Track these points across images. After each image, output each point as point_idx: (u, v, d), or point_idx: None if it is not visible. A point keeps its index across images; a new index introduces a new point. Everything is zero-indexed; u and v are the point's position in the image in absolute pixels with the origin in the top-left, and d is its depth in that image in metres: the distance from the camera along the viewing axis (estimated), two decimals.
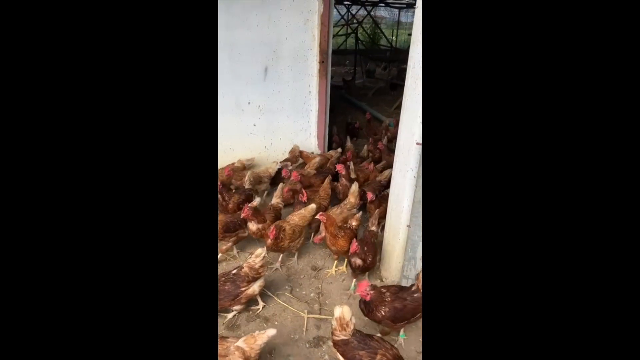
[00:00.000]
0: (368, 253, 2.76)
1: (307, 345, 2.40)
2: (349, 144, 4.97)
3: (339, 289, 2.92)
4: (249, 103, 4.18)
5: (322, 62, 4.17)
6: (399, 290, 2.34)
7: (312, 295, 2.84)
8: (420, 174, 2.42)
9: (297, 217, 3.09)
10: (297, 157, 4.34)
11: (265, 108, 4.26)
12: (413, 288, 2.33)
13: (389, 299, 2.24)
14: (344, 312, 1.94)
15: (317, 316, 2.62)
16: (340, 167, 3.79)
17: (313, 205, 3.17)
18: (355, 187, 3.45)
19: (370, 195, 3.38)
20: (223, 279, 2.44)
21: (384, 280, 2.99)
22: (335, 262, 3.09)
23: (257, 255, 2.48)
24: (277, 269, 3.07)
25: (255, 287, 2.49)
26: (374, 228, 3.01)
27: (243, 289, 2.43)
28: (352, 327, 1.95)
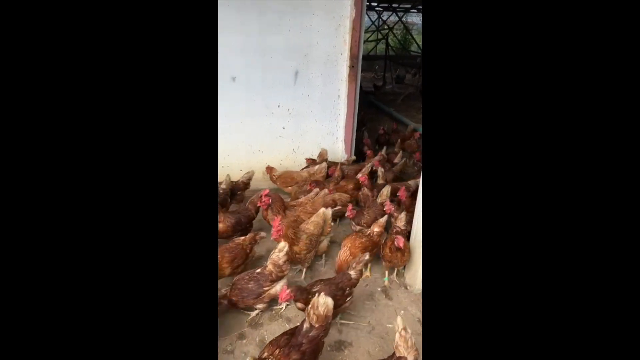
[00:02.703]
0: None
1: (329, 349, 2.40)
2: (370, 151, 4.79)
3: (362, 294, 2.89)
4: (278, 106, 4.26)
5: (352, 66, 4.19)
6: (290, 337, 1.96)
7: None
8: None
9: (312, 225, 2.89)
10: (326, 161, 4.35)
11: (295, 111, 4.32)
12: (305, 327, 1.93)
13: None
14: (397, 323, 1.86)
15: (345, 321, 2.61)
16: (363, 179, 3.76)
17: (325, 210, 2.95)
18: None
19: (400, 242, 2.71)
20: (247, 277, 2.48)
21: (408, 287, 2.94)
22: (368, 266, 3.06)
23: (281, 250, 2.48)
24: (300, 270, 3.08)
25: (277, 288, 2.50)
26: (352, 273, 2.41)
27: (266, 288, 2.45)
28: (409, 342, 1.77)
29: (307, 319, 1.92)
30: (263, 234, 2.93)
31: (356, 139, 5.09)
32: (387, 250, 2.81)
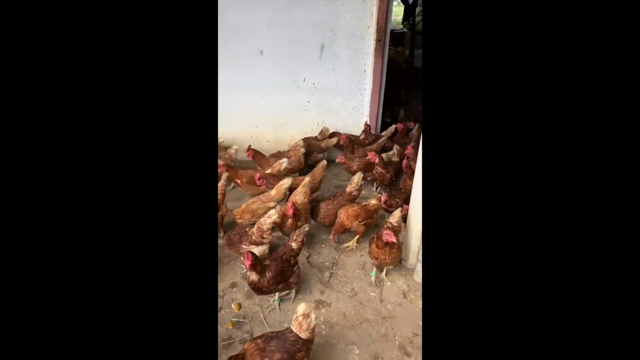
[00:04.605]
0: (270, 272, 2.25)
1: None
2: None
3: (354, 262, 2.99)
4: (304, 80, 4.36)
5: (379, 40, 4.10)
6: (270, 340, 1.83)
7: (327, 264, 2.98)
8: None
9: (302, 195, 2.98)
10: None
11: (320, 85, 4.39)
12: (288, 332, 1.85)
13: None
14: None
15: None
16: (372, 155, 3.61)
17: (308, 179, 3.12)
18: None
19: (392, 237, 2.49)
20: (238, 229, 2.67)
21: (402, 262, 2.96)
22: (357, 237, 3.15)
23: (269, 217, 2.60)
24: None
25: (255, 251, 2.51)
26: (294, 244, 2.41)
27: (244, 246, 2.61)
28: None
29: (291, 327, 1.88)
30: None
31: (391, 117, 5.02)
32: (374, 246, 2.60)
